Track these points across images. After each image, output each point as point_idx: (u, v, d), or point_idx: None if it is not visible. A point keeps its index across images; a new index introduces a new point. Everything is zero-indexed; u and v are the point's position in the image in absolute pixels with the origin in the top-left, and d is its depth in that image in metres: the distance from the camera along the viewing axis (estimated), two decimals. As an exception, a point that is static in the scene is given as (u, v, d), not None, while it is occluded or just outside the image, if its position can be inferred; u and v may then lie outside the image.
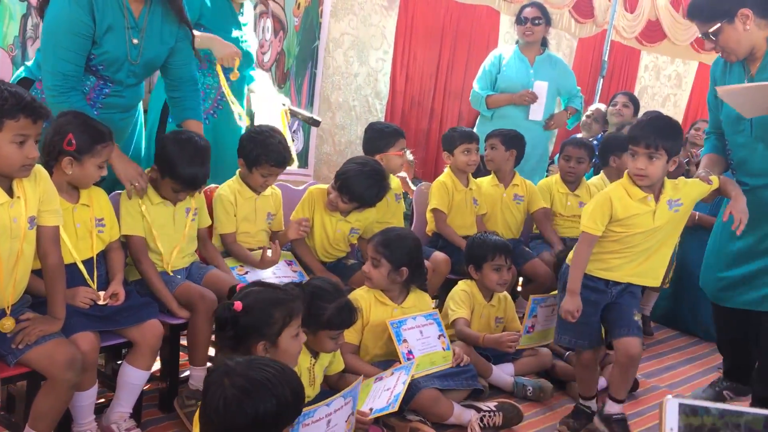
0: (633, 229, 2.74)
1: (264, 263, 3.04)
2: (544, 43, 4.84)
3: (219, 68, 3.26)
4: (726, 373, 3.45)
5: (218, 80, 3.33)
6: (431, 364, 2.85)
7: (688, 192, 2.80)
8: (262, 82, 3.68)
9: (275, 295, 2.13)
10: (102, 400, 2.54)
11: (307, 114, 3.77)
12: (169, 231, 2.76)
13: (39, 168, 2.20)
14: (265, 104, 3.60)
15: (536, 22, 4.67)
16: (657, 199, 2.73)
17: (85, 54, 2.62)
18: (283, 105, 3.66)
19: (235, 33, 3.39)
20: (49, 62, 2.58)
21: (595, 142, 4.88)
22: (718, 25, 2.78)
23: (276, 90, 3.82)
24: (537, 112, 4.73)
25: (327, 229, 3.33)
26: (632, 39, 6.98)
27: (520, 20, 4.74)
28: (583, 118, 5.87)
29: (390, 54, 5.38)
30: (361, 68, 5.24)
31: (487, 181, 4.13)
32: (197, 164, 2.66)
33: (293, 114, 3.72)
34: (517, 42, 4.85)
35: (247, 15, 3.54)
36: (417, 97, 5.62)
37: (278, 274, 3.03)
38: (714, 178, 2.87)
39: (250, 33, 3.55)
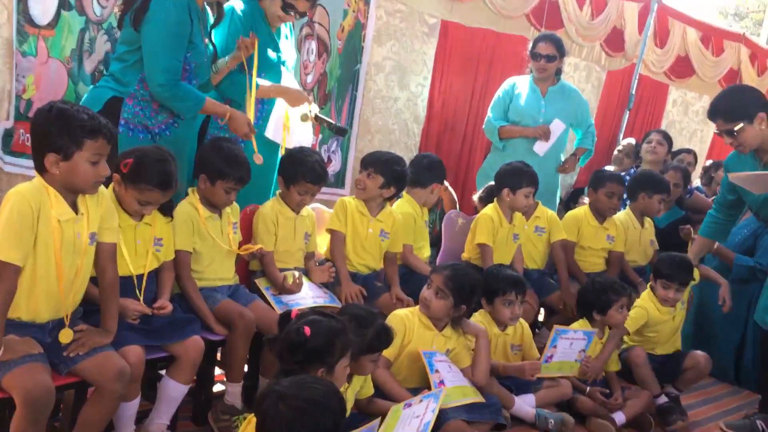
0: None
1: (284, 289, 3.11)
2: (558, 73, 4.87)
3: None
4: (762, 406, 3.73)
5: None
6: (463, 395, 2.92)
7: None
8: (288, 83, 3.64)
9: (336, 325, 2.21)
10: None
11: (332, 121, 3.82)
12: (219, 244, 2.90)
13: (101, 188, 2.31)
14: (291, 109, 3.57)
15: (550, 58, 4.72)
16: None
17: (184, 51, 2.92)
18: (309, 111, 3.67)
19: (271, 54, 3.46)
20: (160, 61, 2.85)
21: (626, 176, 4.94)
22: (741, 125, 3.52)
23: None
24: (541, 148, 4.73)
25: (359, 231, 3.47)
26: (661, 74, 7.04)
27: (534, 55, 4.76)
28: (615, 152, 5.93)
29: (429, 79, 5.47)
30: (401, 93, 5.32)
31: None
32: (242, 160, 2.87)
33: (318, 120, 3.73)
34: (531, 71, 4.88)
35: (286, 29, 3.60)
36: (451, 122, 5.70)
37: (311, 294, 3.11)
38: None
39: (289, 49, 3.61)
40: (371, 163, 3.49)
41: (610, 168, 5.68)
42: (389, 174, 3.47)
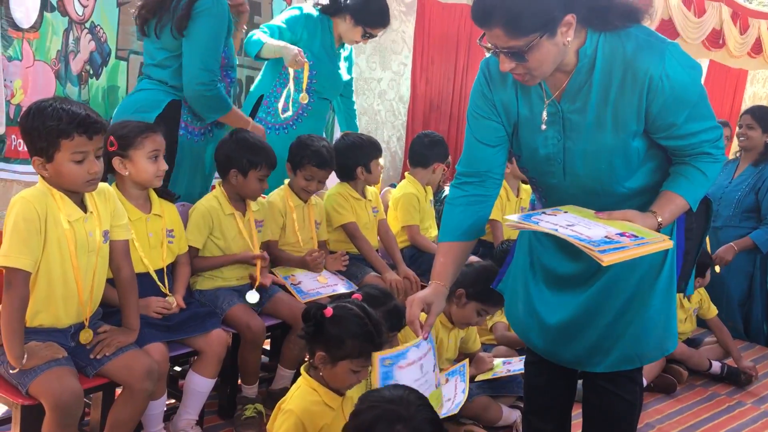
0: None
1: (305, 266, 3.11)
2: None
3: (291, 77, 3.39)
4: None
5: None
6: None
7: None
8: None
9: (362, 327, 2.06)
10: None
11: None
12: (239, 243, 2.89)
13: (107, 187, 2.26)
14: None
15: None
16: None
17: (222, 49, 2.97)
18: None
19: (329, 65, 3.58)
20: (204, 60, 2.84)
21: None
22: (537, 38, 1.77)
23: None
24: None
25: (361, 216, 3.43)
26: (645, 39, 7.02)
27: None
28: None
29: (410, 58, 5.44)
30: (384, 73, 5.29)
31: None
32: (268, 146, 2.92)
33: None
34: None
35: (346, 51, 3.75)
36: (437, 101, 5.68)
37: (330, 282, 3.08)
38: None
39: (345, 69, 3.73)
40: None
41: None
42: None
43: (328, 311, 2.07)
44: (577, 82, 1.91)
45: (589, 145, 1.95)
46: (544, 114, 1.97)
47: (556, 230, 1.83)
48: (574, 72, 1.91)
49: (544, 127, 1.98)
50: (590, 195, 2.02)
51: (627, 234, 1.83)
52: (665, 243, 1.85)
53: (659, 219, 1.93)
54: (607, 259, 1.73)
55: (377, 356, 1.91)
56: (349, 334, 2.04)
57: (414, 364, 1.97)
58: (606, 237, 1.80)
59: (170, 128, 2.86)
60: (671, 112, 1.88)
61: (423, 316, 2.00)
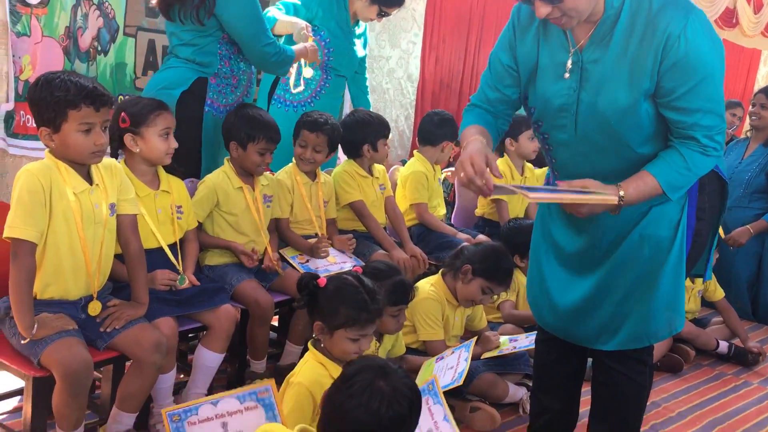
0: None
1: (311, 253, 3.08)
2: None
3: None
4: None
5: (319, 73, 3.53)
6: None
7: None
8: None
9: (355, 296, 2.10)
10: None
11: None
12: (249, 217, 2.91)
13: (113, 162, 2.28)
14: None
15: None
16: None
17: None
18: None
19: (345, 42, 3.61)
20: (262, 39, 2.90)
21: None
22: None
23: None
24: None
25: (368, 194, 3.41)
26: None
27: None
28: None
29: (420, 36, 5.42)
30: (393, 51, 5.27)
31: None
32: (268, 120, 2.90)
33: None
34: None
35: (361, 28, 3.77)
36: (447, 80, 5.66)
37: (338, 260, 3.08)
38: None
39: (359, 45, 3.75)
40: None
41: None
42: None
43: (322, 281, 2.13)
44: (601, 32, 1.92)
45: (602, 98, 1.94)
46: (569, 63, 1.97)
47: (510, 186, 2.01)
48: (599, 22, 1.91)
49: (567, 75, 1.98)
50: (601, 154, 2.02)
51: (571, 190, 1.91)
52: (609, 198, 1.89)
53: (621, 192, 1.92)
54: (532, 195, 1.85)
55: (165, 412, 1.92)
56: (342, 302, 2.08)
57: (211, 422, 1.91)
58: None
59: (196, 105, 2.89)
60: (677, 76, 1.87)
61: (495, 179, 1.93)
